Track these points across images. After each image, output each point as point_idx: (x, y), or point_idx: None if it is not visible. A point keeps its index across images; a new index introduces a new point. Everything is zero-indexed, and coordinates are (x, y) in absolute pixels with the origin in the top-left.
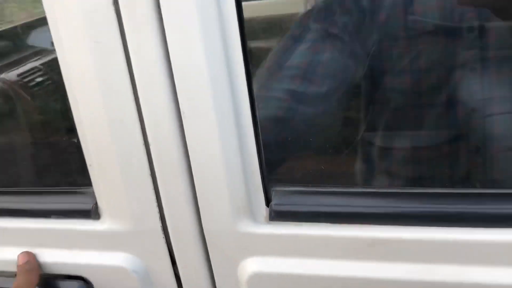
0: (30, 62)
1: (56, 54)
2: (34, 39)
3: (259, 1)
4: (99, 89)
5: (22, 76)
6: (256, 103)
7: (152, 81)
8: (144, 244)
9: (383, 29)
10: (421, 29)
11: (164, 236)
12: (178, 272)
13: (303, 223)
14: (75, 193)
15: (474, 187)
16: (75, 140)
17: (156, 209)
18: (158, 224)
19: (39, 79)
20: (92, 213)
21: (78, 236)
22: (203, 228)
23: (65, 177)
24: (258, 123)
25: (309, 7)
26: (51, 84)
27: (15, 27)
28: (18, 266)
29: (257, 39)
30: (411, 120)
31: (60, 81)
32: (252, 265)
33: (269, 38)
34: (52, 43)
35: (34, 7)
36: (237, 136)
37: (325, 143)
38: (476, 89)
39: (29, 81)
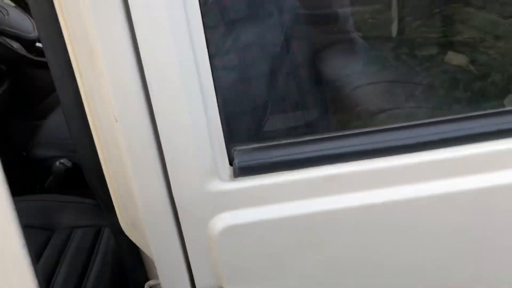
0: None
1: None
2: None
3: None
4: None
5: None
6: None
7: (118, 63)
8: None
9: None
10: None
11: None
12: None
13: (264, 175)
14: None
15: None
16: None
17: None
18: None
19: None
20: None
21: None
22: (174, 195)
23: None
24: (218, 94)
25: None
26: None
27: None
28: None
29: None
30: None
31: None
32: (221, 221)
33: None
34: None
35: None
36: (202, 105)
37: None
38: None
39: None
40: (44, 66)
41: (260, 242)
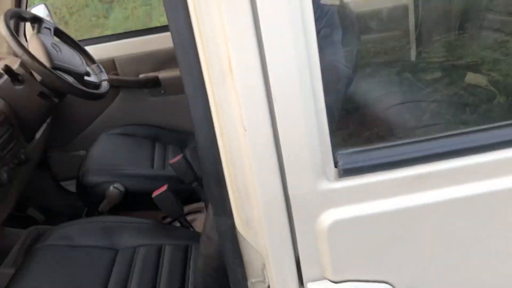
0: None
1: None
2: None
3: None
4: None
5: None
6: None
7: (248, 81)
8: None
9: None
10: None
11: None
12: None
13: (365, 175)
14: None
15: None
16: None
17: None
18: None
19: None
20: None
21: None
22: (289, 193)
23: None
24: (327, 109)
25: None
26: None
27: None
28: None
29: None
30: None
31: None
32: (329, 217)
33: None
34: None
35: None
36: (315, 119)
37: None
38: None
39: None
40: (95, 97)
41: (362, 235)
